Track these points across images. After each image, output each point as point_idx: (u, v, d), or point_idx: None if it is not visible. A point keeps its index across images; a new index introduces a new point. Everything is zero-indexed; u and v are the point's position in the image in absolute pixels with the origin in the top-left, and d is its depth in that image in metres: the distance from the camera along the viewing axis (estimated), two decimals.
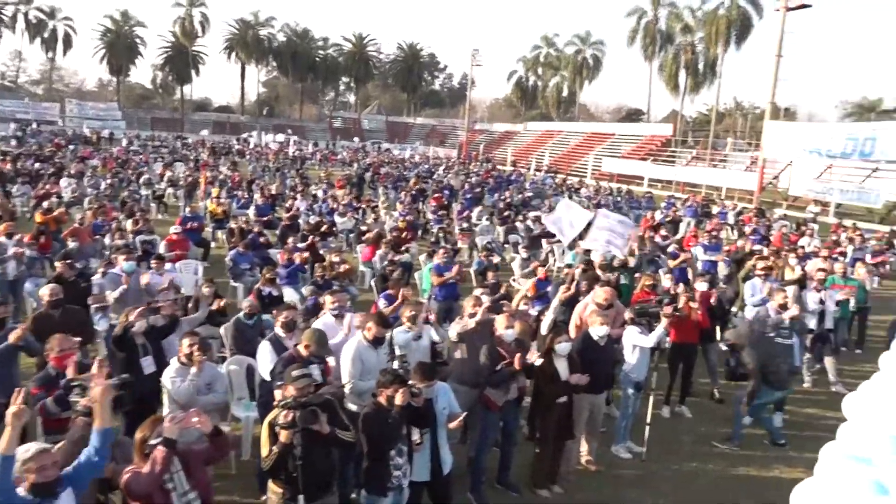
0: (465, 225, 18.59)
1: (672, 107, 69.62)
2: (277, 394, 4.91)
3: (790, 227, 21.91)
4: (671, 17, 61.85)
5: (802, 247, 16.30)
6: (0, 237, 10.71)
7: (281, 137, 61.51)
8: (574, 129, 63.07)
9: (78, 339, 5.63)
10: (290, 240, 13.33)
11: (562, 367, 6.43)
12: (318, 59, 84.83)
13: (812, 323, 10.11)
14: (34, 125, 54.88)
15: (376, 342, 6.05)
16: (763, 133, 34.66)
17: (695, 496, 6.84)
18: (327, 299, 7.22)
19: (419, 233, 18.39)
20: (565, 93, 78.34)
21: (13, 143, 40.60)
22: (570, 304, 8.91)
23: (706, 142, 52.59)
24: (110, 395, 3.82)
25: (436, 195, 25.12)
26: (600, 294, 7.82)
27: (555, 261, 15.19)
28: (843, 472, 3.33)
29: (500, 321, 6.50)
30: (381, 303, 8.94)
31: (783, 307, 8.28)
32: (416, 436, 5.07)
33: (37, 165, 27.19)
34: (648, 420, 7.70)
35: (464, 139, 66.96)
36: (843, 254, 16.43)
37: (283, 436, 4.32)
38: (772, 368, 7.92)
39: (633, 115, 77.90)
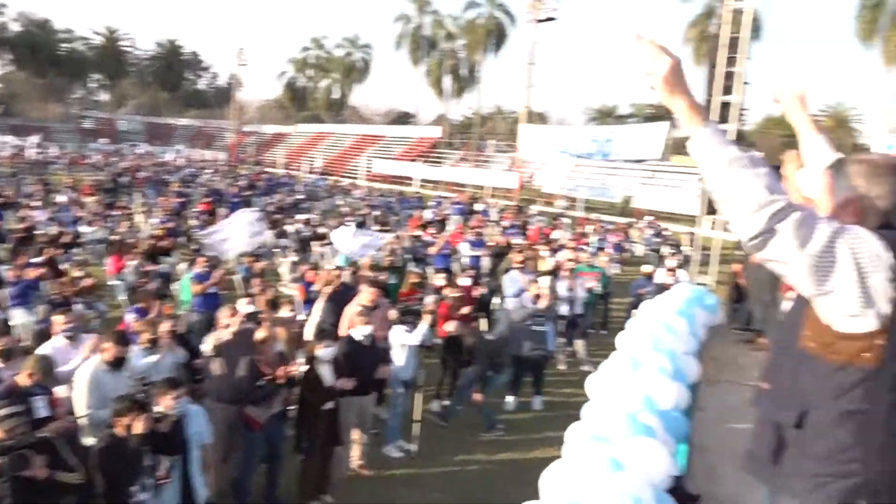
0: None
1: (439, 110, 72.49)
2: None
3: (545, 222, 23.66)
4: (435, 24, 64.26)
5: (556, 239, 17.64)
6: None
7: (18, 140, 54.48)
8: (346, 132, 63.20)
9: None
10: (23, 254, 11.68)
11: (326, 372, 6.22)
12: (61, 52, 76.53)
13: (564, 309, 10.90)
14: None
15: (116, 364, 5.39)
16: (519, 136, 37.15)
17: (462, 486, 6.98)
18: (58, 319, 6.30)
19: (183, 240, 17.17)
20: (336, 95, 78.27)
21: None
22: (340, 307, 8.76)
23: (472, 144, 55.33)
24: None
25: (203, 200, 23.70)
26: (365, 295, 7.74)
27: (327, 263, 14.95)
28: (584, 451, 3.48)
29: (259, 333, 6.11)
30: (130, 317, 8.11)
31: (537, 297, 8.79)
32: (161, 468, 4.57)
33: None
34: (418, 417, 7.77)
35: (232, 141, 64.23)
36: (588, 244, 18.06)
37: None
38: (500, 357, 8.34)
39: (404, 118, 79.76)
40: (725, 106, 8.62)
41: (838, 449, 1.77)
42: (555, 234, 19.43)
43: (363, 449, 7.15)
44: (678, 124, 1.84)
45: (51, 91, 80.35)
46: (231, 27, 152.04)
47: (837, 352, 1.76)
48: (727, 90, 8.59)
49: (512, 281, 10.48)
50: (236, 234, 9.47)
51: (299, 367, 6.27)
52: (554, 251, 14.03)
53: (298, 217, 20.27)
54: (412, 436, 7.64)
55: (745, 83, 8.71)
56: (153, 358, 6.01)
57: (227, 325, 6.62)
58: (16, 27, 73.16)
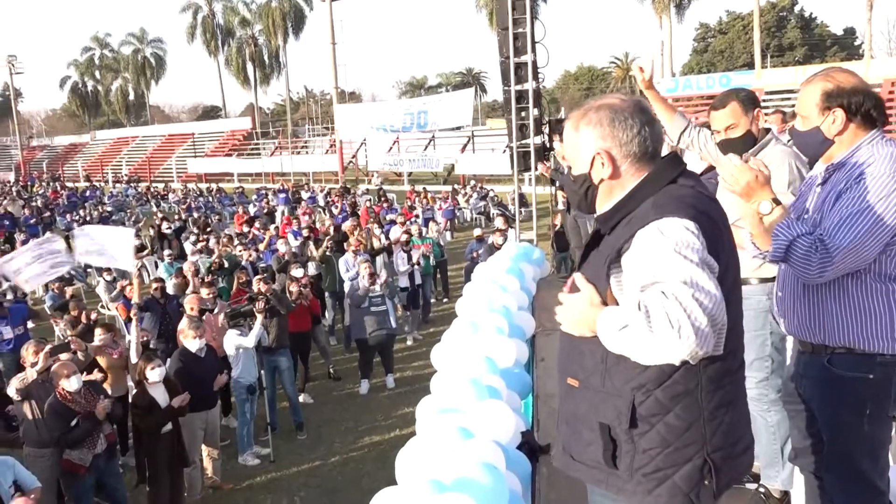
0: None
1: (247, 100, 69.80)
2: None
3: (373, 200, 23.63)
4: (227, 11, 61.46)
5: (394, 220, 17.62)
6: None
7: None
8: (150, 133, 59.19)
9: None
10: None
11: (159, 393, 5.78)
12: None
13: (404, 282, 10.97)
14: None
15: None
16: (334, 117, 36.66)
17: (327, 481, 6.84)
18: None
19: None
20: (132, 96, 73.00)
21: None
22: (164, 319, 8.24)
23: (286, 131, 53.90)
24: None
25: None
26: (187, 303, 7.31)
27: (149, 275, 13.96)
28: (434, 424, 3.46)
29: (55, 372, 5.52)
30: None
31: (372, 276, 8.75)
32: None
33: None
34: (269, 420, 7.50)
35: (20, 159, 58.16)
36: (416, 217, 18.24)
37: None
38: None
39: (211, 113, 75.94)
40: (520, 66, 8.92)
41: (673, 436, 1.70)
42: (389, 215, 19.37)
43: (216, 464, 6.79)
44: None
45: None
46: None
47: None
48: (519, 51, 8.87)
49: (346, 264, 10.35)
50: (34, 262, 8.36)
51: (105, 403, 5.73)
52: (383, 228, 14.04)
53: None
54: (266, 441, 7.37)
55: (536, 42, 9.04)
56: None
57: (34, 363, 5.93)
58: None
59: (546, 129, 9.36)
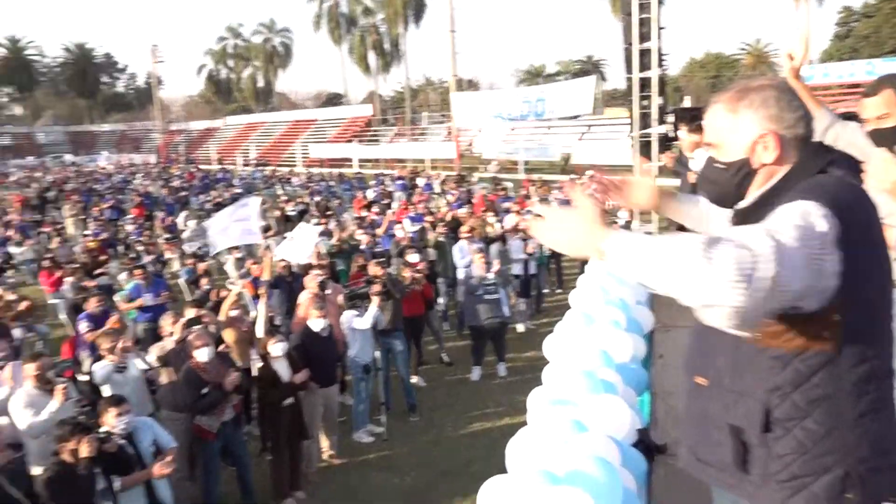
0: (167, 235, 17.17)
1: (369, 87, 71.61)
2: None
3: (488, 189, 23.66)
4: (352, 1, 63.14)
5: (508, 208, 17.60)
6: None
7: None
8: (277, 119, 61.94)
9: None
10: None
11: (281, 367, 6.08)
12: None
13: (518, 270, 10.96)
14: None
15: (45, 383, 5.21)
16: (452, 105, 36.97)
17: (437, 464, 6.96)
18: None
19: (121, 249, 16.66)
20: (261, 83, 76.54)
21: None
22: (290, 298, 8.60)
23: (405, 118, 54.87)
24: None
25: (136, 206, 22.99)
26: (310, 282, 7.62)
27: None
28: (546, 415, 3.45)
29: (190, 342, 5.92)
30: (83, 325, 8.06)
31: (486, 265, 8.79)
32: (117, 484, 4.41)
33: None
34: (384, 399, 7.72)
35: (161, 142, 62.37)
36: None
37: None
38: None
39: (334, 100, 78.46)
40: (645, 53, 8.63)
41: (811, 442, 1.59)
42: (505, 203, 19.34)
43: (333, 438, 7.08)
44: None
45: None
46: (141, 23, 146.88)
47: (789, 339, 1.57)
48: (644, 37, 8.59)
49: (461, 251, 10.44)
50: (232, 226, 8.99)
51: (255, 365, 6.12)
52: (499, 216, 14.04)
53: None
54: (380, 420, 7.59)
55: (662, 28, 8.73)
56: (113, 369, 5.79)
57: (171, 332, 6.41)
58: None
59: (670, 119, 9.05)
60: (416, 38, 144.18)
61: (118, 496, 4.48)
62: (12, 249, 16.25)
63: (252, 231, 8.15)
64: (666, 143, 8.80)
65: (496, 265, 9.02)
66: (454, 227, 12.34)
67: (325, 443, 7.03)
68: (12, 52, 74.91)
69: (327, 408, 6.88)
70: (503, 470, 3.43)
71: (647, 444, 3.26)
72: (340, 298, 7.75)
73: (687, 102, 34.32)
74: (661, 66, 8.69)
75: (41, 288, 12.97)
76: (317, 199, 22.23)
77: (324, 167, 42.32)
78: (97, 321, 7.97)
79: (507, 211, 15.56)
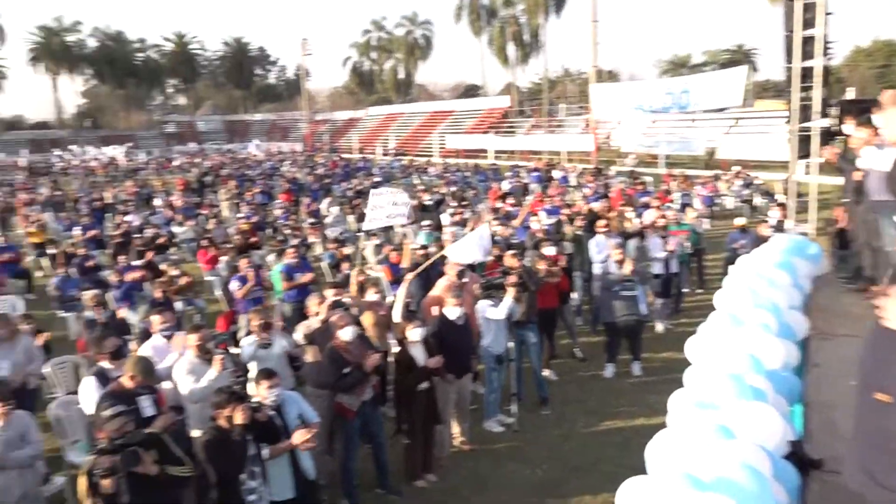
0: (312, 219, 18.02)
1: (506, 79, 71.59)
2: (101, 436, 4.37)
3: (626, 183, 23.04)
4: None
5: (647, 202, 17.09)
6: None
7: (108, 149, 57.04)
8: (415, 110, 63.31)
9: None
10: (122, 258, 12.29)
11: (418, 353, 6.24)
12: (137, 62, 79.65)
13: (658, 268, 10.61)
14: None
15: (206, 354, 5.63)
16: (591, 96, 36.21)
17: (568, 458, 6.90)
18: (154, 319, 6.57)
19: (269, 232, 17.68)
20: (402, 75, 78.45)
21: None
22: (426, 285, 8.76)
23: (542, 110, 54.42)
24: None
25: (284, 192, 24.30)
26: (450, 270, 7.74)
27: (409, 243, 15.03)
28: (690, 418, 3.33)
29: (334, 323, 6.17)
30: (234, 284, 9.31)
31: (622, 261, 8.59)
32: (265, 452, 4.70)
33: None
34: (515, 390, 7.74)
35: (307, 131, 65.46)
36: (672, 201, 17.44)
37: (105, 485, 3.83)
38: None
39: (471, 91, 79.18)
40: (808, 41, 8.04)
41: None
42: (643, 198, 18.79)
43: (464, 426, 7.19)
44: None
45: (132, 100, 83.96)
46: (292, 19, 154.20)
47: None
48: (808, 23, 7.99)
49: (598, 246, 10.24)
50: (381, 208, 9.89)
51: (391, 350, 6.32)
52: (637, 211, 13.65)
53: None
54: (511, 411, 7.62)
55: (828, 14, 8.08)
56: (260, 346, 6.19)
57: (317, 312, 6.74)
58: (92, 42, 76.50)
59: (834, 112, 8.41)
60: (556, 28, 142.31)
61: (266, 463, 4.77)
62: (175, 229, 17.63)
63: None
64: (828, 137, 8.18)
65: (631, 263, 8.78)
66: (592, 220, 12.12)
67: (456, 429, 7.14)
68: (178, 47, 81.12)
69: (460, 395, 6.99)
70: (636, 470, 3.35)
71: (800, 458, 3.08)
72: (476, 288, 7.82)
73: (850, 94, 31.76)
74: (825, 54, 8.06)
75: (199, 265, 14.01)
76: (453, 189, 22.52)
77: (460, 158, 42.84)
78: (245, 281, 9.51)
79: (646, 206, 15.09)
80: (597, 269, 10.17)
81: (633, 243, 10.66)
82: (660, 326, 10.53)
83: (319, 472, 5.45)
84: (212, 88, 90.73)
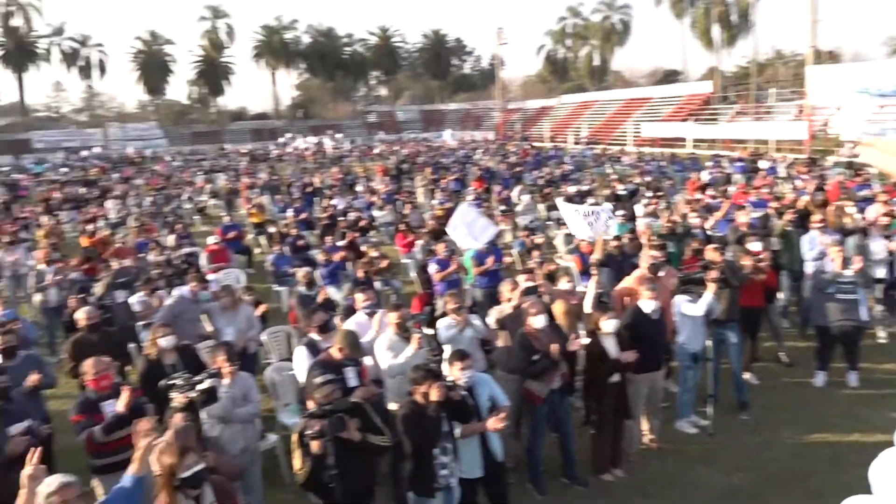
0: (503, 207, 18.24)
1: (709, 63, 67.66)
2: (310, 402, 4.74)
3: (847, 174, 20.92)
4: None
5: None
6: (40, 265, 10.89)
7: (316, 139, 61.57)
8: (610, 98, 61.75)
9: (111, 359, 5.50)
10: (329, 238, 13.23)
11: (610, 345, 6.10)
12: (345, 56, 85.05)
13: (881, 272, 9.55)
14: (82, 152, 56.21)
15: (405, 332, 5.90)
16: (806, 79, 33.22)
17: (767, 468, 6.44)
18: (358, 297, 7.02)
19: None
20: (597, 62, 76.85)
21: (63, 170, 41.54)
22: (618, 276, 8.56)
23: (748, 95, 50.77)
24: (152, 441, 3.65)
25: (476, 179, 24.84)
26: (643, 262, 7.48)
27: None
28: None
29: (525, 309, 6.16)
30: (433, 267, 9.69)
31: (843, 261, 7.81)
32: (457, 431, 4.85)
33: (82, 190, 27.81)
34: (711, 391, 7.35)
35: (499, 120, 66.29)
36: None
37: (314, 446, 4.15)
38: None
39: (670, 77, 75.71)
40: None
41: None
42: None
43: (655, 423, 6.95)
44: None
45: (339, 92, 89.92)
46: (489, 9, 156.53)
47: None
48: None
49: (811, 243, 9.40)
50: (467, 228, 10.22)
51: (581, 340, 6.23)
52: (860, 206, 12.34)
53: (570, 189, 20.27)
54: (706, 413, 7.24)
55: None
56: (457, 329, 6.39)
57: (509, 298, 6.81)
58: (306, 39, 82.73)
59: None
60: (767, 6, 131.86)
61: (457, 441, 4.92)
62: (375, 213, 18.66)
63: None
64: None
65: (856, 262, 7.93)
66: (804, 215, 11.14)
67: (645, 426, 6.92)
68: (382, 41, 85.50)
69: (651, 391, 6.75)
70: (848, 489, 3.06)
71: None
72: (673, 282, 7.50)
73: None
74: None
75: (396, 248, 14.72)
76: (647, 179, 21.75)
77: (655, 147, 41.23)
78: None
79: (869, 200, 13.61)
80: (808, 268, 9.34)
81: (852, 241, 9.67)
82: (882, 334, 9.47)
83: (507, 454, 5.52)
84: (411, 79, 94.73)
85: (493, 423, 4.93)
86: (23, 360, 6.32)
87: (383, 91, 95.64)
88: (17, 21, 70.12)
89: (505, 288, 7.09)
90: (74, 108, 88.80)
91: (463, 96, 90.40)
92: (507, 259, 11.42)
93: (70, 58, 74.44)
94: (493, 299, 9.67)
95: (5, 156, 54.25)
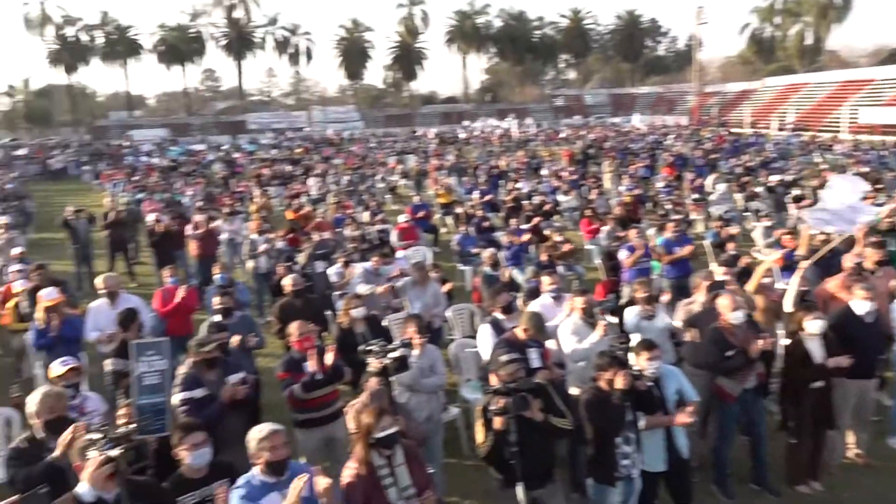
0: (696, 195, 17.35)
1: None
2: (493, 378, 4.83)
3: None
4: None
5: None
6: (253, 234, 12.00)
7: (504, 122, 62.05)
8: (822, 80, 56.33)
9: (314, 326, 5.96)
10: (513, 221, 13.34)
11: (814, 347, 5.62)
12: (535, 39, 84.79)
13: None
14: (288, 133, 61.01)
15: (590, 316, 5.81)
16: None
17: None
18: (545, 280, 7.04)
19: (650, 206, 17.56)
20: (809, 40, 70.36)
21: (273, 151, 45.31)
22: (826, 274, 7.85)
23: None
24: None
25: (667, 166, 23.86)
26: (847, 261, 6.79)
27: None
28: None
29: (722, 303, 5.82)
30: (623, 253, 9.46)
31: None
32: (641, 422, 4.72)
33: (288, 168, 30.18)
34: None
35: (694, 104, 62.96)
36: None
37: (497, 422, 4.23)
38: None
39: None
40: None
41: None
42: None
43: (862, 436, 6.33)
44: None
45: (527, 76, 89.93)
46: None
47: None
48: None
49: None
50: (841, 209, 8.04)
51: (777, 340, 5.81)
52: None
53: (772, 178, 18.86)
54: None
55: None
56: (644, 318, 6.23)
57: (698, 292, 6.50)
58: (497, 23, 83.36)
59: None
60: None
61: (640, 433, 4.79)
62: (560, 197, 18.51)
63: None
64: None
65: None
66: None
67: (851, 439, 6.32)
68: (574, 23, 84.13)
69: (861, 401, 6.13)
70: None
71: None
72: (893, 284, 6.75)
73: None
74: None
75: (580, 233, 14.53)
76: (865, 170, 19.68)
77: (875, 134, 37.13)
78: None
79: None
80: None
81: None
82: None
83: (692, 453, 5.30)
84: (601, 62, 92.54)
85: (681, 417, 4.75)
86: (238, 320, 6.99)
87: (572, 74, 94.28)
88: (238, 13, 77.22)
89: (698, 281, 6.76)
90: (283, 92, 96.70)
91: (655, 79, 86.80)
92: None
93: (281, 46, 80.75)
94: (682, 291, 9.31)
95: (224, 136, 60.17)
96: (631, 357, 5.00)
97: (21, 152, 46.23)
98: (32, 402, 4.39)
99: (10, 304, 8.56)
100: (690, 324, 6.33)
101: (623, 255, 9.72)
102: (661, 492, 5.18)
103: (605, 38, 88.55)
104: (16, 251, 11.00)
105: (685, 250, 9.88)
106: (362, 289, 8.23)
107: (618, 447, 4.64)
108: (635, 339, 5.69)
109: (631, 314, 6.30)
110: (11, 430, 5.95)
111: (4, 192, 24.91)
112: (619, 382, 4.57)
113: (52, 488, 3.61)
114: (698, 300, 6.62)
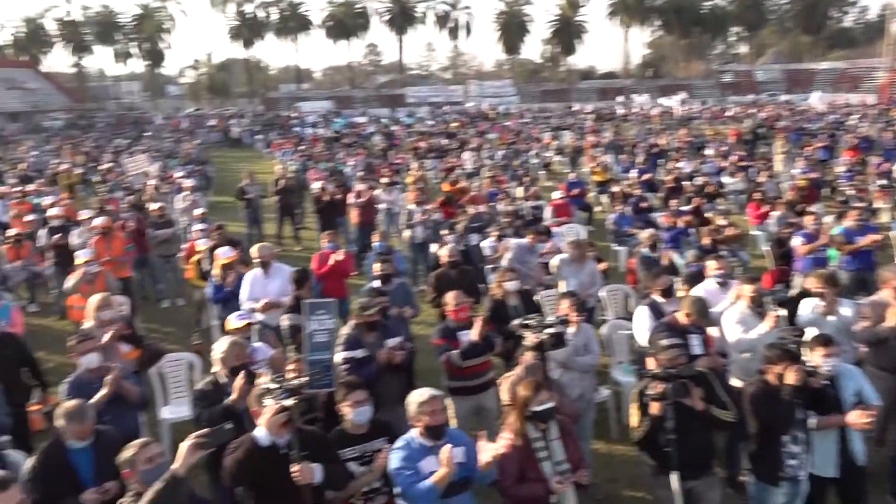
0: (882, 182, 15.79)
1: None
2: (650, 362, 4.68)
3: None
4: None
5: None
6: (410, 205, 12.35)
7: (666, 101, 59.35)
8: None
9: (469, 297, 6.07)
10: (673, 202, 12.80)
11: None
12: (704, 10, 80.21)
13: None
14: (444, 107, 61.96)
15: (758, 305, 5.51)
16: None
17: None
18: (710, 265, 6.70)
19: (827, 191, 16.24)
20: None
21: (429, 123, 46.24)
22: None
23: None
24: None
25: (849, 149, 21.88)
26: None
27: None
28: None
29: None
30: (797, 240, 9.11)
31: None
32: (812, 422, 4.39)
33: (444, 142, 30.67)
34: None
35: (884, 81, 57.08)
36: None
37: (653, 407, 4.10)
38: None
39: None
40: None
41: None
42: None
43: None
44: None
45: (693, 50, 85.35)
46: None
47: None
48: None
49: None
50: None
51: None
52: None
53: None
54: None
55: None
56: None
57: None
58: None
59: None
60: None
61: (811, 434, 4.48)
62: (725, 179, 17.52)
63: None
64: None
65: None
66: None
67: None
68: None
69: None
70: None
71: None
72: None
73: None
74: None
75: (745, 218, 13.69)
76: None
77: None
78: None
79: None
80: None
81: None
82: None
83: (868, 460, 4.88)
84: (777, 35, 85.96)
85: (857, 419, 4.38)
86: (396, 287, 7.24)
87: (743, 48, 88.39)
88: None
89: (887, 275, 6.14)
90: (441, 66, 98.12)
91: (839, 53, 79.45)
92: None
93: (442, 20, 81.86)
94: (862, 284, 8.56)
95: (384, 109, 62.12)
96: (804, 352, 4.66)
97: (211, 123, 49.99)
98: (219, 349, 4.79)
99: (193, 259, 9.39)
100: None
101: (797, 241, 9.06)
102: (831, 499, 4.82)
103: (782, 8, 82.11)
104: (198, 212, 12.03)
105: (868, 239, 9.05)
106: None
107: (784, 446, 4.36)
108: (810, 333, 5.29)
109: (807, 307, 5.86)
110: (194, 373, 6.55)
111: (189, 156, 27.24)
112: (791, 378, 4.28)
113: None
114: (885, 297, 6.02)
